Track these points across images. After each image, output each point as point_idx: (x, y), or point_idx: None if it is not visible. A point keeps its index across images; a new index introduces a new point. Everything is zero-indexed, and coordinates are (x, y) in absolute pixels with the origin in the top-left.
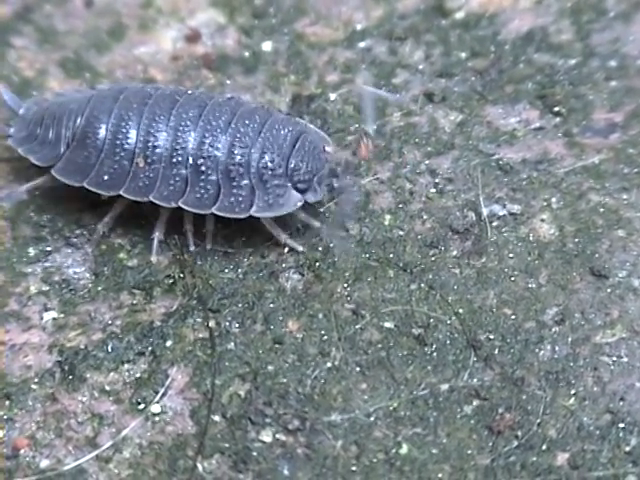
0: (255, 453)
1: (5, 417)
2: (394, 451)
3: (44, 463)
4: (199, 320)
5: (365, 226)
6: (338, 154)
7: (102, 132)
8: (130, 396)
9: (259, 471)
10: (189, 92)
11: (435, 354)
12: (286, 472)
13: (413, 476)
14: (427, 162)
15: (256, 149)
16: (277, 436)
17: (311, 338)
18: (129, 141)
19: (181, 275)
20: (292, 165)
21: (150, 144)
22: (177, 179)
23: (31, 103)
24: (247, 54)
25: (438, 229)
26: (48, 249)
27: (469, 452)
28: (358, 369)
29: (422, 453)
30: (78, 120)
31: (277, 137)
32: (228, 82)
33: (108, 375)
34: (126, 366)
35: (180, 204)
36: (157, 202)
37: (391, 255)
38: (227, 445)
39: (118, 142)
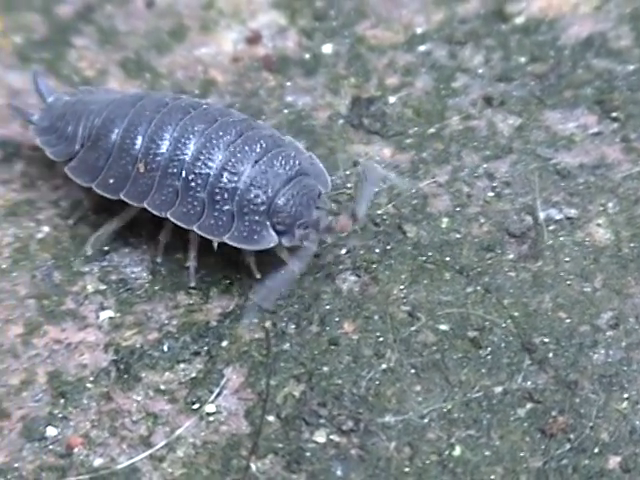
0: (309, 454)
1: (60, 415)
2: (447, 453)
3: (97, 462)
4: (255, 321)
5: (422, 229)
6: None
7: (113, 136)
8: (185, 396)
9: (312, 472)
10: (205, 106)
11: (490, 357)
12: (339, 473)
13: (466, 478)
14: (485, 166)
15: (245, 179)
16: (331, 437)
17: (366, 339)
18: (135, 147)
19: (238, 276)
20: (276, 206)
21: (152, 151)
22: (170, 189)
23: (61, 94)
24: (307, 56)
25: (495, 232)
26: (106, 248)
27: (522, 454)
28: (413, 371)
29: (475, 455)
30: (95, 121)
31: (271, 172)
32: (288, 84)
33: (163, 374)
34: (181, 366)
35: (168, 215)
36: (150, 209)
37: (448, 258)
38: (281, 445)
39: (125, 147)
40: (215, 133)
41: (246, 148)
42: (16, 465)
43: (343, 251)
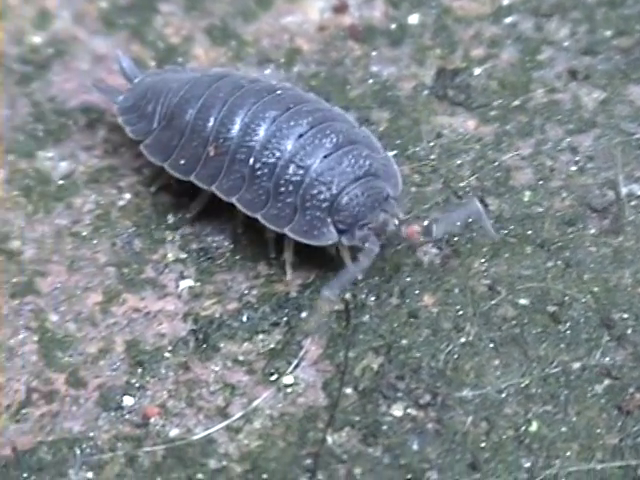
0: (385, 427)
1: (137, 385)
2: (524, 428)
3: (174, 432)
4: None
5: (504, 202)
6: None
7: (187, 116)
8: (263, 367)
9: (388, 445)
10: (280, 92)
11: (568, 332)
12: (415, 447)
13: (542, 454)
14: (568, 139)
15: (312, 173)
16: (408, 410)
17: (446, 313)
18: (206, 129)
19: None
20: (338, 204)
21: (222, 135)
22: (237, 175)
23: (146, 74)
24: (394, 26)
25: (577, 207)
26: (188, 216)
27: (598, 431)
28: (491, 345)
29: (551, 431)
30: (172, 100)
31: (338, 169)
32: (374, 54)
33: (242, 345)
34: (260, 336)
35: (234, 200)
36: (217, 193)
37: (529, 232)
38: (357, 418)
39: (197, 128)
40: (286, 122)
41: (316, 141)
42: (91, 434)
43: (425, 223)
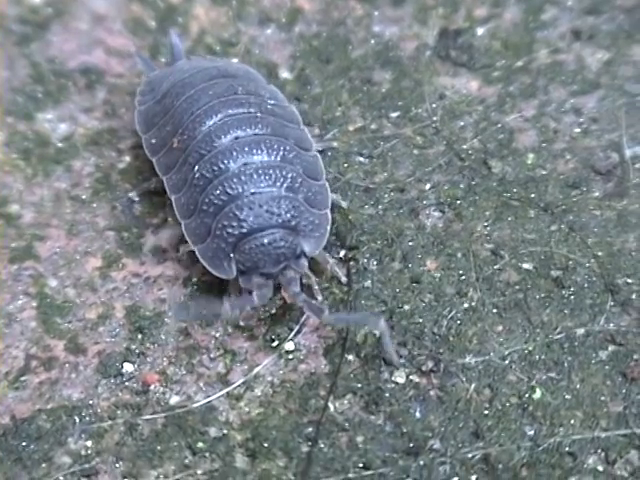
0: (387, 394)
1: (137, 351)
2: (527, 396)
3: (174, 399)
4: (337, 256)
5: (507, 164)
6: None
7: (176, 101)
8: (264, 333)
9: (390, 413)
10: (258, 114)
11: (572, 297)
12: (418, 415)
13: (545, 422)
14: (572, 101)
15: (233, 204)
16: (410, 377)
17: (449, 278)
18: (182, 119)
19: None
20: (243, 246)
21: (187, 132)
22: (183, 176)
23: (186, 60)
24: None
25: (581, 169)
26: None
27: (602, 398)
28: (495, 311)
29: (555, 398)
30: (175, 79)
31: (259, 211)
32: (376, 13)
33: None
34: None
35: (172, 199)
36: (165, 185)
37: (532, 195)
38: (359, 385)
39: (177, 115)
40: (241, 146)
41: (254, 176)
42: (91, 402)
43: (427, 186)
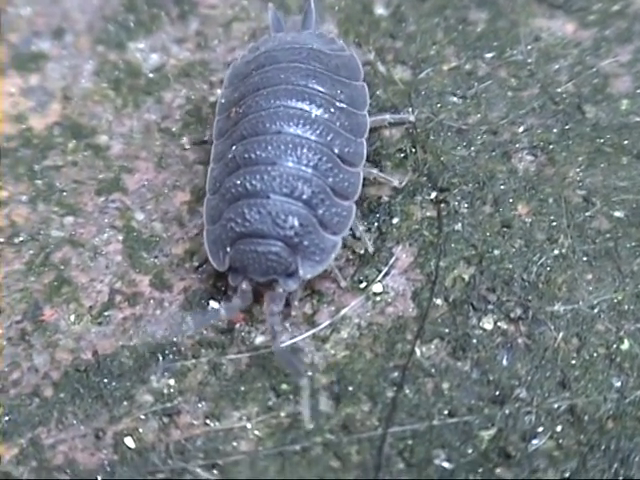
0: (475, 340)
1: (223, 289)
2: (615, 346)
3: (259, 339)
4: (428, 198)
5: (601, 110)
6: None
7: (252, 74)
8: (352, 273)
9: (477, 359)
10: (307, 112)
11: None
12: (505, 362)
13: (633, 373)
14: None
15: (243, 202)
16: (498, 324)
17: (540, 223)
18: (247, 93)
19: (413, 149)
20: (238, 247)
21: (244, 108)
22: (223, 149)
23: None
24: None
25: None
26: None
27: None
28: (585, 258)
29: None
30: (257, 53)
31: (265, 218)
32: None
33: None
34: (350, 241)
35: (209, 167)
36: (212, 151)
37: (626, 142)
38: (447, 330)
39: (247, 87)
40: (278, 144)
41: (277, 180)
42: (175, 340)
43: (520, 129)
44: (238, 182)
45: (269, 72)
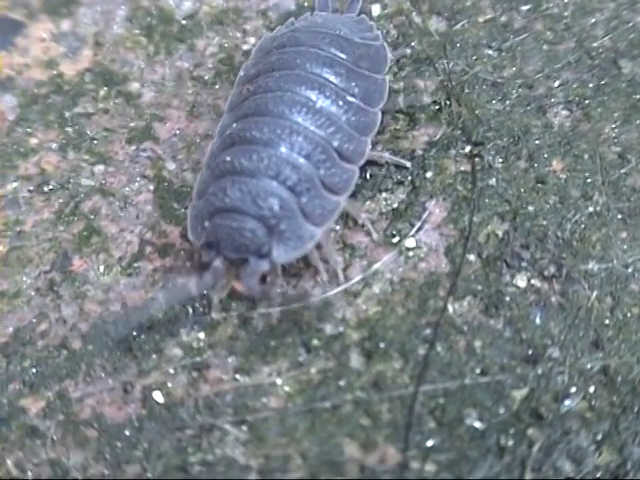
0: (508, 298)
1: None
2: None
3: (291, 290)
4: (462, 152)
5: (638, 65)
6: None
7: (271, 52)
8: (385, 227)
9: (510, 317)
10: (310, 98)
11: None
12: (538, 321)
13: None
14: None
15: (229, 175)
16: (532, 281)
17: (574, 180)
18: (261, 71)
19: (447, 102)
20: (214, 221)
21: (255, 85)
22: (231, 121)
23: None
24: None
25: None
26: None
27: None
28: (619, 216)
29: None
30: (283, 32)
31: (245, 195)
32: None
33: (365, 203)
34: (384, 195)
35: (214, 135)
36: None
37: None
38: (480, 287)
39: (263, 65)
40: (279, 128)
41: (267, 160)
42: (205, 292)
43: (556, 83)
44: (228, 159)
45: (287, 54)
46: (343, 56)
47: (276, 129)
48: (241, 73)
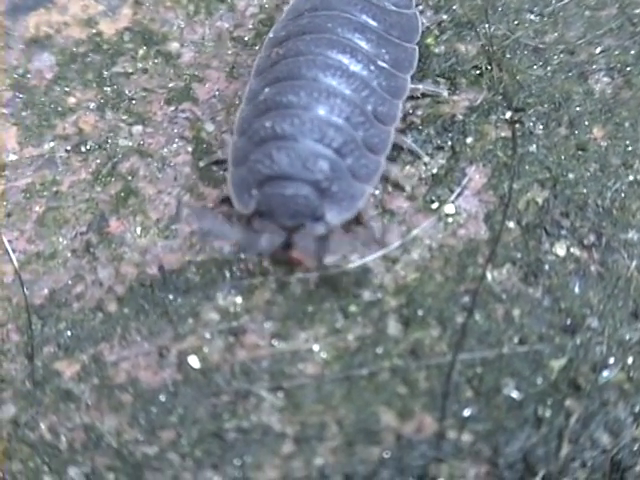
0: (547, 266)
1: None
2: None
3: (327, 260)
4: (503, 118)
5: None
6: None
7: (302, 16)
8: (424, 193)
9: (549, 286)
10: (343, 65)
11: None
12: (577, 290)
13: None
14: None
15: (274, 139)
16: (571, 250)
17: (615, 148)
18: (291, 35)
19: (488, 67)
20: (265, 189)
21: (284, 49)
22: (261, 87)
23: None
24: None
25: None
26: None
27: None
28: None
29: None
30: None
31: (295, 159)
32: None
33: (404, 168)
34: (424, 159)
35: (242, 105)
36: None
37: None
38: (519, 255)
39: (292, 28)
40: (316, 91)
41: (309, 124)
42: (243, 256)
43: (597, 50)
44: (267, 124)
45: (318, 18)
46: (374, 23)
47: (313, 92)
48: (270, 35)
